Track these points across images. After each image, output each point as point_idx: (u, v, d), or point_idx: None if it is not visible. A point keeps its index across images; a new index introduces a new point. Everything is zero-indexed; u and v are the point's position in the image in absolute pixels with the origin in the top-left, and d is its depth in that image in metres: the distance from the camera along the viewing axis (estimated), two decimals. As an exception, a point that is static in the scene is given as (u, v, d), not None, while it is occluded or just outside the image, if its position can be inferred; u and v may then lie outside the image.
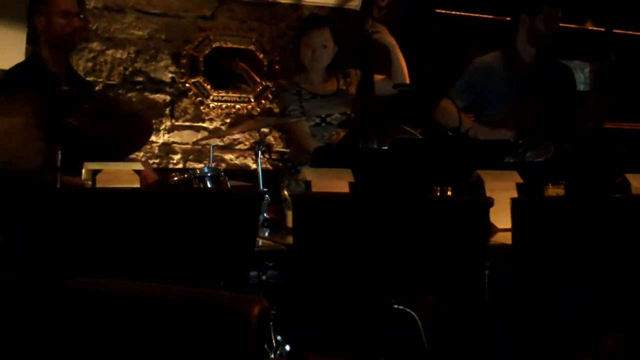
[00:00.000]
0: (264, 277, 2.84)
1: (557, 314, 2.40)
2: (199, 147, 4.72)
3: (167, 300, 1.17)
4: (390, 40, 3.92)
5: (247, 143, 4.87)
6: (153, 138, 4.62)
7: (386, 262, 2.35)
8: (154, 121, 4.58)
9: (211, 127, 4.83)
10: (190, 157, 4.78)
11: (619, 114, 4.94)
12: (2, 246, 2.50)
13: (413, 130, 3.85)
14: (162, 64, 4.73)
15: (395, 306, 2.52)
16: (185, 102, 4.78)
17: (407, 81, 3.94)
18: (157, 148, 4.71)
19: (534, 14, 3.98)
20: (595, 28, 5.47)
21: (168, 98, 4.75)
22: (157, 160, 4.71)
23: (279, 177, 4.01)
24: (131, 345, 1.17)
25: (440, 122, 3.86)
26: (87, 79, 4.24)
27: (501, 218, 2.61)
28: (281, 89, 4.04)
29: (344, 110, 3.94)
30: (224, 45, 4.85)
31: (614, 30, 5.46)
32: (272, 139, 4.95)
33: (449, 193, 2.81)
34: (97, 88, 4.44)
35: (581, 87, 5.11)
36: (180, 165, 4.77)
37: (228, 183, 3.15)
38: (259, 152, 3.24)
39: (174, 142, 4.76)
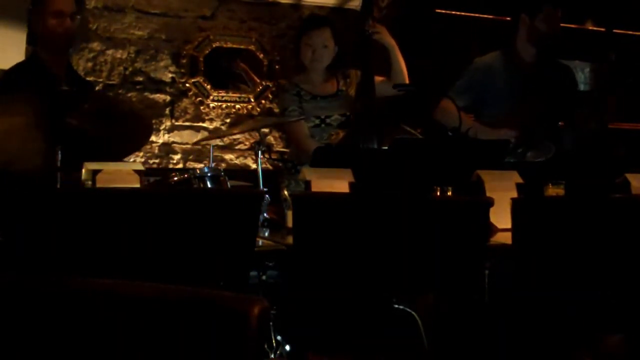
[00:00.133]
0: (264, 277, 2.84)
1: (557, 314, 2.40)
2: (199, 147, 4.72)
3: (167, 300, 1.16)
4: (390, 41, 3.92)
5: (247, 143, 4.87)
6: (153, 138, 4.62)
7: (386, 262, 2.35)
8: (154, 121, 4.58)
9: (211, 127, 4.83)
10: (190, 157, 4.78)
11: (619, 114, 4.94)
12: (2, 246, 2.50)
13: (413, 130, 3.85)
14: (162, 64, 4.73)
15: (396, 306, 2.52)
16: (185, 102, 4.78)
17: (407, 82, 3.94)
18: (157, 148, 4.71)
19: (534, 14, 3.97)
20: (595, 28, 5.47)
21: (168, 98, 4.75)
22: (157, 160, 4.71)
23: (279, 177, 4.01)
24: (131, 345, 1.17)
25: (441, 122, 3.85)
26: (87, 79, 4.24)
27: (501, 218, 2.61)
28: (281, 89, 4.04)
29: (344, 112, 3.93)
30: (224, 45, 4.85)
31: (614, 30, 5.46)
32: (272, 139, 4.95)
33: (449, 193, 2.81)
34: (97, 88, 4.43)
35: (581, 87, 5.11)
36: (180, 165, 4.76)
37: (228, 183, 3.15)
38: (259, 152, 3.24)
39: (174, 142, 4.76)
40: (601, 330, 2.52)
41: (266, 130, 4.74)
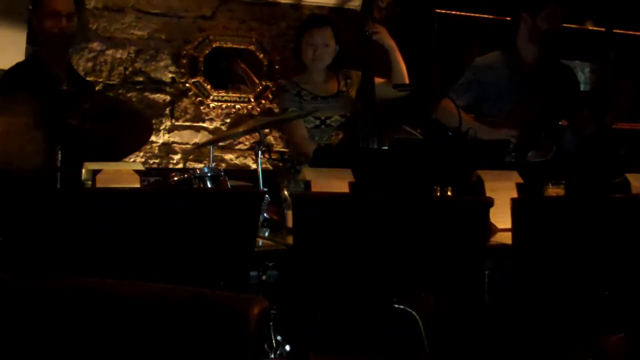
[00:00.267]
0: (264, 277, 2.84)
1: (557, 314, 2.40)
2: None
3: (167, 300, 1.17)
4: (390, 42, 3.92)
5: (247, 143, 4.87)
6: (153, 138, 4.62)
7: (386, 262, 2.35)
8: (154, 121, 4.58)
9: (211, 127, 4.83)
10: (190, 157, 4.78)
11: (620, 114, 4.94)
12: (2, 246, 2.50)
13: (413, 130, 3.84)
14: (162, 64, 4.73)
15: (396, 306, 2.52)
16: (185, 102, 4.78)
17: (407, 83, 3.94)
18: (157, 148, 4.72)
19: (536, 13, 3.97)
20: (595, 28, 5.47)
21: (168, 98, 4.75)
22: (157, 160, 4.71)
23: (279, 177, 4.01)
24: (131, 345, 1.17)
25: (441, 121, 3.85)
26: (87, 79, 4.24)
27: (501, 218, 2.61)
28: (281, 89, 4.03)
29: (344, 113, 3.93)
30: (224, 45, 4.86)
31: (614, 30, 5.45)
32: (272, 139, 4.95)
33: (449, 193, 2.81)
34: (97, 88, 4.44)
35: (581, 87, 5.11)
36: (180, 165, 4.77)
37: (228, 183, 3.15)
38: (259, 152, 3.23)
39: (174, 142, 4.76)
40: (601, 330, 2.52)
41: (266, 130, 4.74)
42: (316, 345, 2.54)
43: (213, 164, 3.93)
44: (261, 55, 4.93)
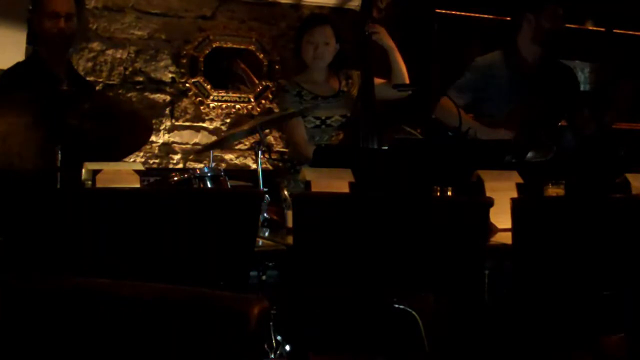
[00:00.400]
0: (264, 277, 2.84)
1: (557, 314, 2.40)
2: (199, 147, 4.72)
3: (167, 301, 1.16)
4: (389, 43, 3.92)
5: (247, 143, 4.87)
6: (153, 138, 4.62)
7: (386, 262, 2.35)
8: (154, 121, 4.58)
9: (211, 127, 4.83)
10: (190, 157, 4.78)
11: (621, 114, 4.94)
12: (2, 246, 2.50)
13: (413, 130, 3.84)
14: (162, 64, 4.73)
15: (396, 306, 2.52)
16: (185, 102, 4.78)
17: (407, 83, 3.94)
18: (157, 148, 4.71)
19: (539, 12, 3.97)
20: (595, 28, 5.47)
21: (168, 98, 4.75)
22: (157, 160, 4.71)
23: (279, 177, 4.00)
24: (131, 345, 1.17)
25: (440, 120, 3.85)
26: (87, 79, 4.24)
27: (501, 218, 2.61)
28: (282, 89, 4.03)
29: (344, 113, 3.93)
30: (224, 45, 4.86)
31: (614, 30, 5.46)
32: (272, 139, 4.95)
33: (449, 193, 2.81)
34: (97, 88, 4.44)
35: (581, 87, 5.11)
36: (180, 165, 4.77)
37: (228, 183, 3.15)
38: (259, 152, 3.23)
39: (174, 142, 4.76)
40: (601, 330, 2.52)
41: (266, 130, 4.74)
42: (316, 345, 2.54)
43: (213, 164, 3.93)
44: (261, 55, 4.93)
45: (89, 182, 2.62)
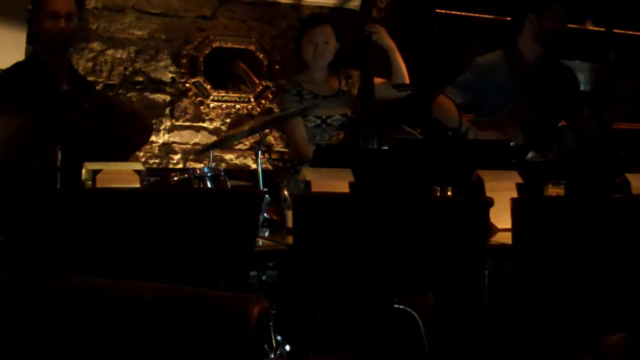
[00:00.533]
0: (264, 277, 2.84)
1: (557, 313, 2.40)
2: (200, 147, 4.73)
3: (167, 301, 1.16)
4: (389, 43, 3.92)
5: (247, 143, 4.87)
6: (153, 138, 4.62)
7: (386, 262, 2.35)
8: (154, 121, 4.58)
9: (211, 127, 4.83)
10: (190, 157, 4.78)
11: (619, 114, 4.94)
12: (2, 246, 2.50)
13: (413, 130, 3.84)
14: (162, 64, 4.73)
15: (396, 306, 2.52)
16: (185, 102, 4.78)
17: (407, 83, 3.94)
18: (157, 148, 4.72)
19: (541, 13, 3.98)
20: (595, 28, 5.47)
21: (168, 98, 4.75)
22: (157, 160, 4.71)
23: (279, 177, 4.01)
24: (131, 345, 1.17)
25: (438, 118, 3.85)
26: (87, 79, 4.24)
27: (501, 218, 2.61)
28: (282, 89, 4.03)
29: (345, 112, 3.93)
30: (224, 45, 4.86)
31: (614, 30, 5.45)
32: (272, 139, 4.95)
33: (449, 193, 2.81)
34: (97, 88, 4.43)
35: (581, 87, 5.11)
36: (180, 165, 4.77)
37: (228, 183, 3.15)
38: (259, 152, 3.23)
39: (174, 142, 4.76)
40: (601, 330, 2.52)
41: (266, 130, 4.74)
42: (316, 345, 2.54)
43: (213, 164, 3.93)
44: (261, 55, 4.93)
45: (89, 182, 2.62)
